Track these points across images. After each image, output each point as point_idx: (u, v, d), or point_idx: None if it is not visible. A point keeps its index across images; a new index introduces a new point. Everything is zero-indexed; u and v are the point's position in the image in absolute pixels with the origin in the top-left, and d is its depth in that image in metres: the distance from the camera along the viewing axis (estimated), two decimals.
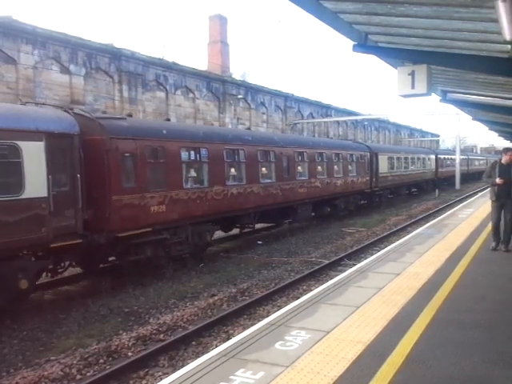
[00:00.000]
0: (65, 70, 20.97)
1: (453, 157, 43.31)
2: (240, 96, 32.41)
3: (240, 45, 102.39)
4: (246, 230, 16.52)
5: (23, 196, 8.20)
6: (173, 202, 11.50)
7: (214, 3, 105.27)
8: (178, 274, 11.59)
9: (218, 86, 31.11)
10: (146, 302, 9.40)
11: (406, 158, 31.55)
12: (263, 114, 36.11)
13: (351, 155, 22.90)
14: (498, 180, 9.38)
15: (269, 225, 18.37)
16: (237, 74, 36.67)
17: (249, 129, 25.15)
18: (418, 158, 34.84)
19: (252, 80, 37.87)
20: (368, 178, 24.49)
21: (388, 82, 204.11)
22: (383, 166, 26.77)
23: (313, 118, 42.13)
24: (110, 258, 11.20)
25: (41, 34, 19.67)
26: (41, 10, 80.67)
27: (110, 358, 6.79)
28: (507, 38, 5.37)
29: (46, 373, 6.21)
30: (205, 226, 12.93)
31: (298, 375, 4.26)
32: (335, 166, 21.06)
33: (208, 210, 12.76)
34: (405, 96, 8.25)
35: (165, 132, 11.85)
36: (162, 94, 26.58)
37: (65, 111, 9.90)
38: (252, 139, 15.59)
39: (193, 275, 11.54)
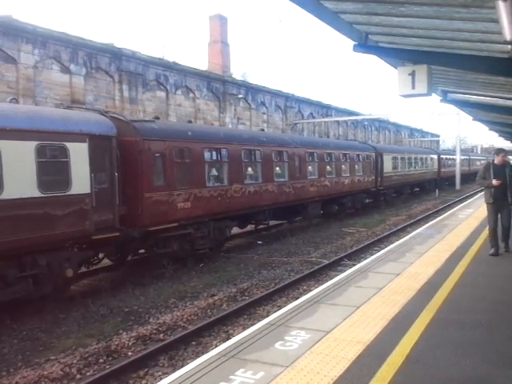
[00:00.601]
0: (65, 70, 20.96)
1: (455, 157, 43.70)
2: (240, 96, 32.40)
3: (240, 45, 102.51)
4: (261, 226, 17.28)
5: (70, 192, 9.05)
6: (197, 199, 12.33)
7: (214, 3, 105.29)
8: (178, 273, 11.59)
9: (219, 85, 31.10)
10: (145, 301, 9.41)
11: (409, 158, 32.32)
12: (263, 113, 36.10)
13: (358, 155, 23.69)
14: (494, 182, 9.00)
15: (266, 225, 18.24)
16: (237, 74, 36.75)
17: (263, 130, 25.71)
18: (421, 158, 35.49)
19: (252, 80, 37.95)
20: (373, 178, 25.30)
21: (388, 82, 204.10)
22: (388, 165, 27.56)
23: (313, 117, 42.11)
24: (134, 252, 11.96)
25: (41, 33, 19.66)
26: (41, 10, 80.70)
27: (110, 358, 6.80)
28: (507, 38, 5.36)
29: (45, 372, 6.21)
30: (224, 221, 13.68)
31: (297, 375, 4.26)
32: (343, 166, 21.82)
33: (227, 206, 13.61)
34: (405, 96, 8.24)
35: (190, 134, 12.75)
36: (162, 94, 26.57)
37: (102, 115, 10.76)
38: (267, 140, 16.48)
39: (193, 275, 11.54)
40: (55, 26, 72.15)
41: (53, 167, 8.90)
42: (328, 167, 20.43)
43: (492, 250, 9.27)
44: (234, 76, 34.01)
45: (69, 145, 9.06)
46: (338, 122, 45.70)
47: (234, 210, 13.97)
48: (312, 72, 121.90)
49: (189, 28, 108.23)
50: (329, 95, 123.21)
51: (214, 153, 13.57)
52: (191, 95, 28.82)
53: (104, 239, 9.78)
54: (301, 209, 18.33)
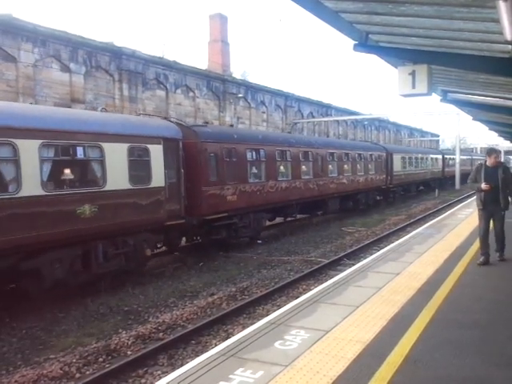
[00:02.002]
0: (65, 69, 20.93)
1: (461, 157, 45.26)
2: (240, 95, 32.37)
3: (240, 44, 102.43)
4: (290, 218, 19.28)
5: (151, 185, 10.90)
6: (241, 193, 14.27)
7: (214, 2, 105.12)
8: (178, 272, 11.60)
9: (219, 84, 31.08)
10: (145, 300, 9.41)
11: (416, 158, 33.93)
12: (263, 113, 36.08)
13: (371, 155, 25.51)
14: (483, 185, 8.17)
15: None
16: (237, 73, 36.71)
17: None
18: (427, 158, 37.18)
19: (252, 79, 37.91)
20: (384, 176, 27.14)
21: (388, 81, 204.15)
22: (397, 165, 29.32)
23: (313, 117, 42.07)
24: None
25: (41, 32, 19.62)
26: (41, 9, 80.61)
27: (110, 357, 6.80)
28: (508, 38, 5.36)
29: (45, 371, 6.21)
30: (261, 213, 15.74)
31: (297, 374, 4.26)
32: (358, 165, 23.69)
33: (264, 200, 15.59)
34: (405, 96, 8.24)
35: (235, 136, 14.95)
36: (162, 93, 26.55)
37: (170, 121, 12.90)
38: (295, 142, 18.60)
39: (192, 274, 11.55)
40: (55, 24, 72.13)
41: (139, 165, 10.72)
42: (345, 166, 22.26)
43: (481, 259, 8.53)
44: (233, 75, 33.99)
45: (150, 146, 10.92)
46: (337, 121, 45.65)
47: (269, 204, 15.93)
48: (312, 71, 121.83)
49: (189, 27, 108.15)
50: (329, 95, 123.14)
51: (254, 153, 15.49)
52: (191, 94, 28.80)
53: (173, 225, 11.64)
54: (321, 204, 20.02)
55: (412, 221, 20.51)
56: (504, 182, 8.20)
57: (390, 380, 4.11)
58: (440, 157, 41.77)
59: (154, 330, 7.72)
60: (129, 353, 6.93)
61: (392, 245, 11.38)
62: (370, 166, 25.10)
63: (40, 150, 8.56)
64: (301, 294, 9.17)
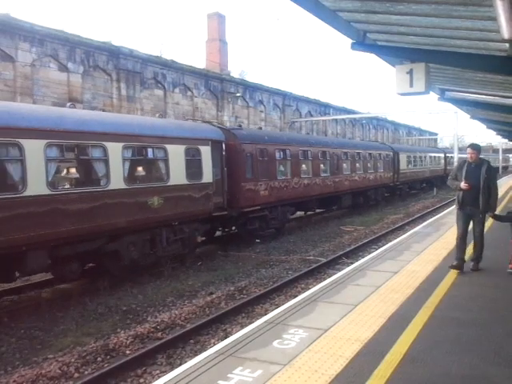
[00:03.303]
0: (63, 68, 20.89)
1: (459, 155, 45.97)
2: (238, 94, 32.35)
3: (238, 43, 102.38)
4: (309, 212, 21.32)
5: (202, 181, 12.58)
6: (271, 189, 16.03)
7: (212, 1, 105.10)
8: (176, 272, 11.59)
9: (217, 84, 31.05)
10: (143, 300, 9.41)
11: (420, 157, 35.81)
12: (261, 112, 36.05)
13: (379, 154, 27.38)
14: (462, 184, 7.47)
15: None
16: (235, 72, 36.66)
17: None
18: (430, 157, 39.12)
19: (250, 78, 37.92)
20: (391, 174, 29.04)
21: (386, 80, 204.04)
22: (403, 163, 31.16)
23: (311, 116, 42.06)
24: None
25: (39, 31, 19.58)
26: (39, 8, 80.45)
27: (108, 356, 6.80)
28: (506, 36, 5.35)
29: (43, 371, 6.20)
30: (286, 207, 17.29)
31: (295, 373, 4.26)
32: (368, 164, 25.40)
33: (289, 195, 17.30)
34: (403, 94, 8.23)
35: (266, 138, 16.77)
36: (160, 92, 26.51)
37: (213, 125, 14.73)
38: (314, 142, 20.45)
39: (191, 273, 11.54)
40: (53, 24, 72.01)
41: (193, 163, 12.36)
42: (357, 164, 23.94)
43: (454, 262, 7.80)
44: (231, 74, 33.95)
45: (201, 147, 12.63)
46: (336, 120, 45.67)
47: (293, 198, 17.60)
48: (310, 70, 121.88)
49: (187, 26, 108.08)
50: (327, 93, 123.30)
51: (281, 152, 17.16)
52: (189, 93, 28.76)
53: (218, 216, 13.38)
54: (336, 200, 21.78)
55: (410, 219, 20.54)
56: (486, 182, 7.43)
57: (388, 378, 4.11)
58: (442, 155, 43.36)
59: (152, 330, 7.72)
60: (127, 352, 6.93)
61: (390, 243, 11.38)
62: (378, 164, 26.88)
63: (122, 151, 10.22)
64: (299, 292, 9.18)
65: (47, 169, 8.69)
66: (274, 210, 16.25)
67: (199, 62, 61.75)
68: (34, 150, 8.45)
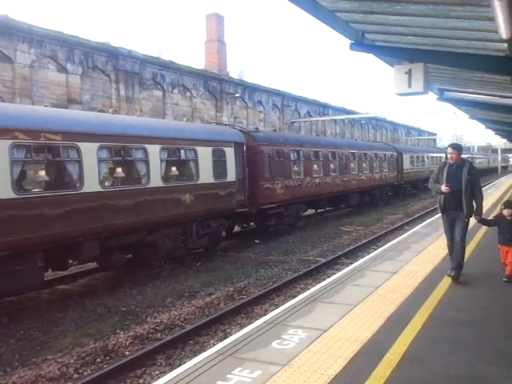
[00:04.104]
0: (61, 69, 20.90)
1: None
2: (237, 95, 32.37)
3: (237, 43, 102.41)
4: (320, 210, 22.40)
5: (226, 180, 13.54)
6: (286, 187, 16.98)
7: (210, 2, 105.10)
8: (176, 272, 11.59)
9: (215, 84, 31.07)
10: (143, 300, 9.40)
11: (422, 157, 36.94)
12: (260, 112, 36.09)
13: (384, 155, 28.44)
14: (443, 188, 6.98)
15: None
16: (234, 73, 36.62)
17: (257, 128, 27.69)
18: (432, 157, 40.20)
19: (249, 79, 37.87)
20: (395, 174, 30.08)
21: (385, 80, 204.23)
22: (407, 163, 32.23)
23: (310, 116, 42.12)
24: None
25: (37, 32, 19.59)
26: (37, 9, 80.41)
27: (107, 357, 6.78)
28: (503, 36, 5.36)
29: (42, 372, 6.19)
30: (299, 205, 18.34)
31: (294, 374, 4.26)
32: (374, 164, 26.34)
33: (302, 194, 18.25)
34: (402, 94, 8.24)
35: (281, 139, 17.96)
36: (159, 93, 26.53)
37: (234, 128, 15.93)
38: (325, 143, 21.56)
39: (190, 274, 11.54)
40: (51, 25, 71.89)
41: (218, 163, 13.28)
42: (364, 165, 24.87)
43: (452, 273, 7.28)
44: (230, 75, 33.96)
45: (225, 149, 13.58)
46: (335, 120, 45.73)
47: (306, 197, 18.58)
48: (309, 71, 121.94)
49: (185, 27, 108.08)
50: (326, 94, 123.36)
51: (295, 153, 18.10)
52: (188, 94, 28.78)
53: (240, 213, 14.39)
54: (344, 198, 22.66)
55: (409, 219, 20.55)
56: (468, 184, 6.94)
57: (387, 378, 4.11)
58: (443, 155, 44.10)
59: (151, 331, 7.71)
60: (127, 353, 6.92)
61: (389, 243, 11.39)
62: (384, 164, 27.96)
63: (160, 152, 11.20)
64: (298, 293, 9.18)
65: (99, 168, 9.68)
66: (288, 207, 17.21)
67: (198, 62, 61.76)
68: (89, 152, 9.42)
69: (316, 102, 43.92)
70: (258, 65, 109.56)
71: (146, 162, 10.81)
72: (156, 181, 10.99)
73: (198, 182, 12.40)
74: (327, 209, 22.91)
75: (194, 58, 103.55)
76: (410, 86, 7.81)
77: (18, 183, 8.37)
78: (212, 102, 30.98)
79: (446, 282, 7.20)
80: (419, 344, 4.86)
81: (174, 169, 11.95)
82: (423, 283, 7.18)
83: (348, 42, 7.49)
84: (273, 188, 16.15)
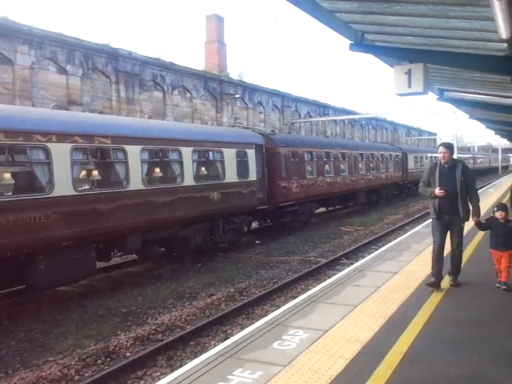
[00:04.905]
0: (62, 71, 20.91)
1: (461, 155, 48.81)
2: (237, 95, 32.37)
3: (237, 44, 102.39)
4: (331, 208, 23.51)
5: (248, 179, 14.64)
6: (301, 186, 18.08)
7: (210, 3, 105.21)
8: (176, 273, 11.59)
9: (215, 85, 31.08)
10: (144, 302, 9.40)
11: (426, 157, 37.80)
12: (260, 113, 36.10)
13: (390, 155, 29.68)
14: (437, 191, 6.49)
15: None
16: (234, 74, 36.61)
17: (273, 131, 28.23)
18: (436, 157, 39.99)
19: (249, 79, 37.94)
20: (401, 173, 31.30)
21: (385, 80, 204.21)
22: (411, 163, 33.54)
23: (310, 117, 42.11)
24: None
25: (37, 34, 19.60)
26: (37, 10, 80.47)
27: (108, 359, 6.79)
28: (503, 36, 5.37)
29: (44, 374, 6.20)
30: (312, 203, 19.58)
31: (295, 374, 4.26)
32: (381, 164, 27.57)
33: (315, 192, 19.41)
34: (401, 95, 8.24)
35: (296, 141, 19.15)
36: (159, 94, 26.54)
37: (254, 131, 17.26)
38: (335, 145, 22.86)
39: (191, 275, 11.54)
40: (51, 26, 71.88)
41: (241, 164, 14.38)
42: (371, 165, 26.02)
43: (432, 279, 6.80)
44: (230, 76, 33.96)
45: (247, 150, 14.75)
46: (335, 121, 45.72)
47: (318, 195, 19.77)
48: (309, 71, 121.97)
49: (185, 28, 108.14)
50: (326, 94, 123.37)
51: (308, 154, 19.22)
52: (188, 95, 28.79)
53: (260, 210, 15.52)
54: (352, 197, 23.78)
55: (410, 219, 20.55)
56: (463, 186, 6.54)
57: (388, 379, 4.11)
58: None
59: (152, 332, 7.71)
60: (128, 354, 6.92)
61: (390, 244, 11.38)
62: (389, 164, 29.23)
63: (192, 154, 12.26)
64: (299, 293, 9.17)
65: (142, 168, 10.73)
66: (302, 205, 18.28)
67: (198, 63, 61.69)
68: (133, 154, 10.49)
69: (316, 102, 43.92)
70: (258, 66, 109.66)
71: (181, 163, 11.92)
72: (189, 180, 12.09)
73: (224, 181, 13.50)
74: (337, 207, 24.05)
75: (194, 59, 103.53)
76: (409, 86, 7.81)
77: (77, 182, 9.42)
78: (212, 103, 30.99)
79: (447, 282, 7.19)
80: (420, 344, 4.85)
81: (203, 169, 13.02)
82: (424, 283, 7.16)
83: (348, 42, 7.48)
84: (289, 187, 17.16)
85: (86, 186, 9.95)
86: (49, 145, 8.73)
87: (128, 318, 8.52)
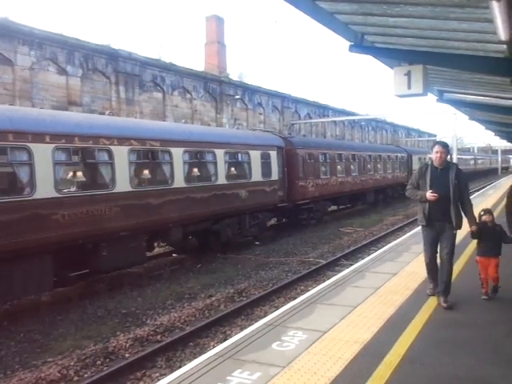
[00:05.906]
0: (62, 71, 20.92)
1: (463, 156, 49.43)
2: (237, 96, 32.38)
3: (237, 45, 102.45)
4: (342, 206, 24.96)
5: (271, 178, 16.03)
6: (316, 186, 19.43)
7: (210, 4, 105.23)
8: (176, 274, 11.59)
9: (215, 86, 31.09)
10: (143, 303, 9.40)
11: (430, 158, 37.81)
12: (260, 114, 36.10)
13: (396, 156, 31.16)
14: (428, 195, 5.92)
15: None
16: (234, 75, 36.64)
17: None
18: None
19: (249, 80, 37.93)
20: (406, 174, 31.78)
21: (385, 82, 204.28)
22: (415, 164, 33.18)
23: (310, 118, 42.10)
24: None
25: (37, 34, 19.61)
26: (38, 11, 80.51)
27: (108, 360, 6.79)
28: (502, 37, 5.36)
29: (43, 374, 6.20)
30: (326, 202, 21.03)
31: (294, 375, 4.26)
32: (387, 165, 28.92)
33: (328, 191, 20.76)
34: (401, 96, 8.23)
35: (312, 144, 20.72)
36: (159, 95, 26.55)
37: (275, 134, 18.98)
38: (346, 147, 24.38)
39: (190, 276, 11.54)
40: (52, 27, 71.97)
41: (265, 164, 15.76)
42: (379, 165, 27.32)
43: (431, 286, 6.57)
44: (230, 77, 33.97)
45: (270, 152, 16.18)
46: (335, 122, 45.72)
47: (331, 194, 21.12)
48: (309, 72, 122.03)
49: (185, 29, 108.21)
50: (326, 95, 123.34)
51: (323, 155, 20.65)
52: (188, 96, 28.80)
53: (280, 207, 16.78)
54: (361, 196, 25.04)
55: (409, 221, 20.51)
56: (457, 190, 6.03)
57: (387, 380, 4.11)
58: (448, 157, 46.70)
59: (151, 333, 7.72)
60: (127, 355, 6.92)
61: (390, 245, 11.39)
62: (395, 165, 30.57)
63: (224, 155, 13.62)
64: (298, 294, 9.17)
65: (184, 168, 12.02)
66: (317, 203, 19.62)
67: (198, 64, 61.60)
68: (177, 155, 11.79)
69: (316, 103, 43.93)
70: (258, 66, 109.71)
71: (215, 164, 13.27)
72: (222, 179, 13.43)
73: (251, 180, 14.85)
74: (347, 205, 25.29)
75: (194, 60, 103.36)
76: (409, 87, 7.80)
77: (133, 179, 10.64)
78: (212, 104, 31.00)
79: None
80: (419, 345, 4.85)
81: (233, 169, 14.41)
82: (423, 284, 7.16)
83: (347, 43, 7.48)
84: (306, 186, 18.54)
85: (140, 183, 11.13)
86: (112, 147, 9.95)
87: (127, 319, 8.52)
